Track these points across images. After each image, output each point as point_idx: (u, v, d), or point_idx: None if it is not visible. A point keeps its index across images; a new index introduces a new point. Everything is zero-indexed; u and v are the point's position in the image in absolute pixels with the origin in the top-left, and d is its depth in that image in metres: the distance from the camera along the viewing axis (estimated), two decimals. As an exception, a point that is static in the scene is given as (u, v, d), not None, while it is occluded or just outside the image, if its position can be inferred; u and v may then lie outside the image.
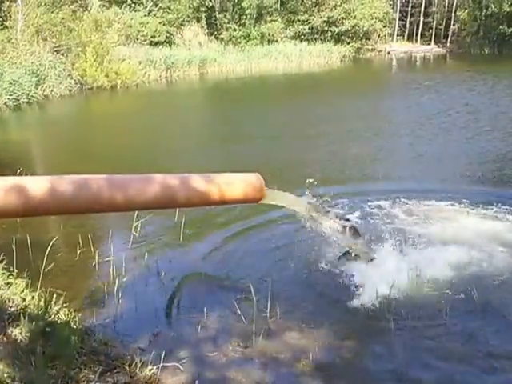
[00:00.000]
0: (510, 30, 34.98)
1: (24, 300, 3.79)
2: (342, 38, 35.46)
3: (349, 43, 35.44)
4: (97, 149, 10.33)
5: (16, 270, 4.38)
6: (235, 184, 2.95)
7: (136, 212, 5.53)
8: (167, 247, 5.50)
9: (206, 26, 32.32)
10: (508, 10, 34.67)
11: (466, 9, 39.93)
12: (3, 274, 4.27)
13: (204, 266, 5.08)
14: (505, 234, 5.54)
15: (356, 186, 7.55)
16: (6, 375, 2.78)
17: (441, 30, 42.95)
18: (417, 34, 43.23)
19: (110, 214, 6.25)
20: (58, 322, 3.59)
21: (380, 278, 4.39)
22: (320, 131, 11.67)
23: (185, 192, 2.81)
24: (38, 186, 2.45)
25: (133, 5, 29.30)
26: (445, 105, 14.90)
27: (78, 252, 5.12)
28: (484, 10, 37.56)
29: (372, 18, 35.58)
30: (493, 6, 36.04)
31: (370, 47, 37.94)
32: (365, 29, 35.75)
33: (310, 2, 34.79)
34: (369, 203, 6.55)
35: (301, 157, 9.30)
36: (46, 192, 2.42)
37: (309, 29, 34.82)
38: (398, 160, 9.50)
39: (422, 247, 5.01)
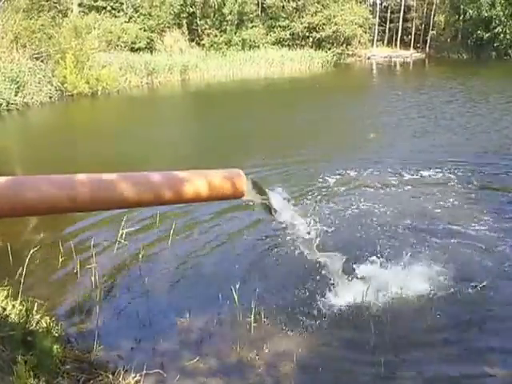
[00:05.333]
0: (487, 35, 35.56)
1: (4, 309, 3.74)
2: (323, 43, 35.72)
3: (330, 49, 35.69)
4: (75, 156, 10.21)
5: (-4, 279, 4.33)
6: (217, 180, 2.94)
7: (120, 219, 5.51)
8: (150, 254, 5.45)
9: (187, 32, 32.35)
10: (486, 14, 35.24)
11: (443, 13, 40.51)
12: (-17, 283, 4.22)
13: (188, 272, 5.07)
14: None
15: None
16: (-14, 385, 2.75)
17: (420, 35, 43.49)
18: (396, 40, 43.74)
19: (93, 220, 6.27)
20: (40, 330, 3.55)
21: (365, 280, 4.45)
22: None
23: (164, 189, 2.78)
24: None
25: (113, 11, 29.19)
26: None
27: (60, 260, 5.08)
28: (462, 15, 38.13)
29: (352, 24, 35.90)
30: (471, 12, 36.61)
31: (351, 53, 38.27)
32: (345, 34, 36.06)
33: (290, 8, 35.00)
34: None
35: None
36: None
37: (290, 35, 35.04)
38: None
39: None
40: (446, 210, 6.46)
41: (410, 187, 7.49)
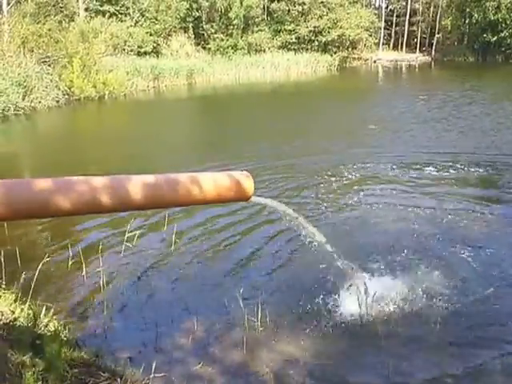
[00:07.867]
0: (493, 39, 35.48)
1: (13, 313, 3.76)
2: (329, 47, 35.79)
3: (335, 52, 35.75)
4: (83, 160, 10.25)
5: (5, 283, 4.35)
6: (225, 182, 2.95)
7: (128, 222, 5.54)
8: (158, 257, 5.47)
9: (193, 36, 32.49)
10: (492, 18, 35.20)
11: (449, 17, 40.45)
12: (-8, 287, 4.24)
13: (194, 275, 5.08)
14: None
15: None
16: (-5, 389, 2.76)
17: (425, 38, 43.48)
18: (402, 43, 43.75)
19: (100, 223, 6.29)
20: (48, 334, 3.56)
21: (371, 286, 4.44)
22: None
23: (172, 191, 2.79)
24: None
25: (119, 15, 29.36)
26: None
27: (69, 264, 5.09)
28: (468, 19, 38.10)
29: (358, 28, 35.94)
30: (476, 15, 36.57)
31: (356, 56, 38.31)
32: (351, 38, 36.10)
33: (296, 12, 35.08)
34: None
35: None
36: None
37: (295, 38, 35.12)
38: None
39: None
40: (459, 214, 6.43)
41: (431, 186, 7.71)
